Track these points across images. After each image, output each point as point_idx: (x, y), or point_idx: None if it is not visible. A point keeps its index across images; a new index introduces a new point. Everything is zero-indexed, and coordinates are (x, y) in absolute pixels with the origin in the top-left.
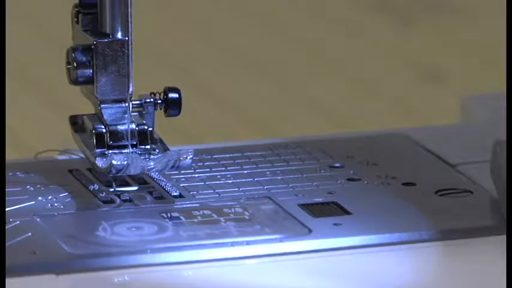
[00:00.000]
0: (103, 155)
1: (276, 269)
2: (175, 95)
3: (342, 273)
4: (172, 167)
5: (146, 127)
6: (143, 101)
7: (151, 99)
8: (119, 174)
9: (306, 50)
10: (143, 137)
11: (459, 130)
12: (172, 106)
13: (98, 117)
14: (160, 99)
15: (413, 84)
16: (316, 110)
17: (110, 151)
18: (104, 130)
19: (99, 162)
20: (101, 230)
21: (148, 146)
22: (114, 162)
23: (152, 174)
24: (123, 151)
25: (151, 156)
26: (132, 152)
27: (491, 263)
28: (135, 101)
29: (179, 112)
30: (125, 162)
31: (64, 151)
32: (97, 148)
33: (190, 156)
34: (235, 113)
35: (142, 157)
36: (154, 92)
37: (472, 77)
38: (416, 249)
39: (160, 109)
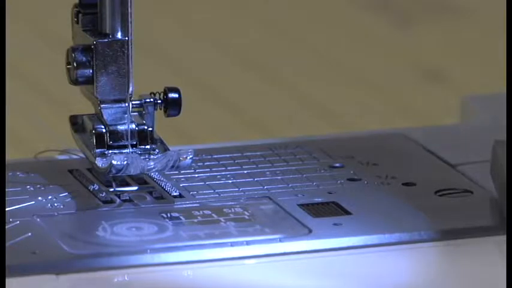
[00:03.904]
0: (103, 155)
1: (276, 269)
2: (175, 95)
3: (342, 273)
4: (172, 167)
5: (146, 127)
6: (143, 101)
7: (151, 99)
8: (119, 174)
9: (306, 50)
10: (143, 137)
11: (459, 130)
12: (172, 106)
13: (98, 117)
14: (160, 99)
15: (413, 84)
16: (316, 109)
17: (110, 151)
18: (104, 130)
19: (99, 162)
20: (100, 230)
21: (148, 146)
22: (114, 162)
23: (152, 174)
24: (123, 151)
25: (151, 156)
26: (132, 152)
27: (491, 263)
28: (135, 101)
29: (179, 112)
30: (125, 162)
31: (64, 151)
32: (97, 148)
33: (190, 156)
34: (235, 113)
35: (142, 157)
36: (154, 92)
37: (472, 77)
38: (416, 249)
39: (160, 109)
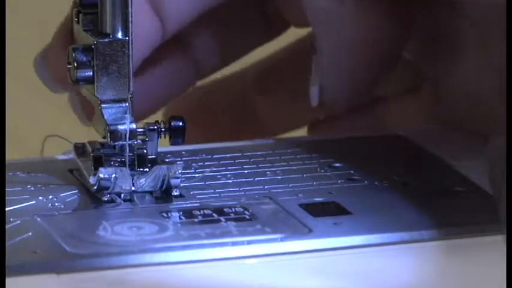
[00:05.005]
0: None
1: (277, 269)
2: (180, 123)
3: (342, 272)
4: (163, 181)
5: (145, 151)
6: (146, 128)
7: (155, 127)
8: (108, 192)
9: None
10: (142, 161)
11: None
12: (176, 134)
13: (100, 143)
14: (164, 127)
15: None
16: None
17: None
18: (102, 154)
19: (92, 180)
20: (101, 229)
21: (146, 169)
22: (101, 175)
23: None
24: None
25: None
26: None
27: (491, 263)
28: (139, 128)
29: (183, 141)
30: (113, 176)
31: (67, 151)
32: (94, 169)
33: (180, 171)
34: None
35: (131, 173)
36: (159, 120)
37: None
38: (417, 249)
39: (165, 137)
